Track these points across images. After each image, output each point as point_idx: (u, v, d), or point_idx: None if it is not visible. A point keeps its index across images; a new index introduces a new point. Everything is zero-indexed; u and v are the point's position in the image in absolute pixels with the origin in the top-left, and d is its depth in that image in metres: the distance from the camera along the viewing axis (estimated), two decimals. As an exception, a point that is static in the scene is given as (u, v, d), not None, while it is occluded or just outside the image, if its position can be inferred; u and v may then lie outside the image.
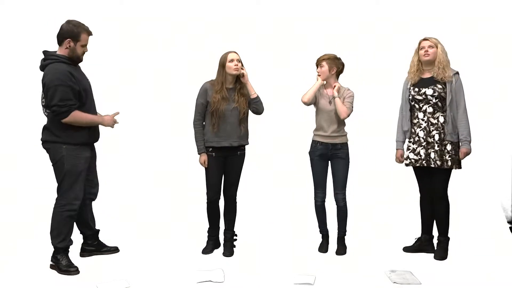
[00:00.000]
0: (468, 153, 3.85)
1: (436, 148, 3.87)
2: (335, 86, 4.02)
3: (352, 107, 4.03)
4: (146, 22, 5.65)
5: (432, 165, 3.88)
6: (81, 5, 5.43)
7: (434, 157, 3.86)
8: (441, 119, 3.87)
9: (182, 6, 5.65)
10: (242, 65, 3.95)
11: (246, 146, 4.10)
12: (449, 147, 3.85)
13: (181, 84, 5.52)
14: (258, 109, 3.99)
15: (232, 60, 3.89)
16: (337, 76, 4.10)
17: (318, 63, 4.06)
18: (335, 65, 4.03)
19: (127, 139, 5.64)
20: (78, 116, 3.57)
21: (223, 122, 3.92)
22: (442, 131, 3.87)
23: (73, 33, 3.58)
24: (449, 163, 3.84)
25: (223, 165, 4.03)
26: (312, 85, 4.03)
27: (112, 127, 3.86)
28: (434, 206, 4.02)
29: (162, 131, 5.64)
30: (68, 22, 3.61)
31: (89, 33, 3.66)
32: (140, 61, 5.66)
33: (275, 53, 5.61)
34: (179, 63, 5.62)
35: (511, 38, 5.33)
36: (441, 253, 3.96)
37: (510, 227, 4.62)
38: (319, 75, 4.04)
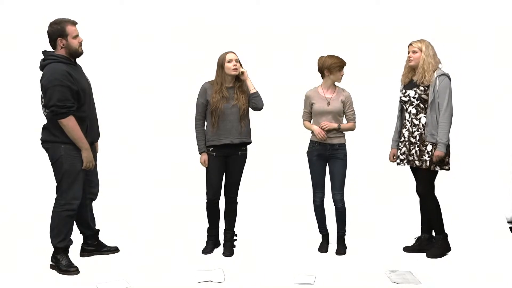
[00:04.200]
0: (440, 156, 3.82)
1: (417, 148, 3.91)
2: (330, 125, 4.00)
3: (355, 113, 4.07)
4: (146, 22, 5.65)
5: (413, 165, 3.94)
6: (81, 5, 5.44)
7: (414, 157, 3.91)
8: (423, 120, 3.91)
9: (182, 6, 5.65)
10: (241, 64, 3.96)
11: (247, 146, 4.10)
12: (429, 147, 3.87)
13: (182, 83, 5.52)
14: (257, 104, 3.98)
15: (230, 61, 3.90)
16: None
17: (343, 67, 4.00)
18: None
19: (128, 139, 5.64)
20: (72, 124, 3.54)
21: (223, 120, 3.93)
22: (423, 132, 3.90)
23: (58, 31, 3.57)
24: (428, 163, 3.86)
25: (224, 165, 4.03)
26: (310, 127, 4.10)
27: (87, 167, 3.69)
28: (422, 206, 4.09)
29: (162, 131, 5.64)
30: (50, 24, 3.61)
31: (74, 23, 3.63)
32: (140, 61, 5.66)
33: (275, 52, 5.61)
34: (179, 63, 5.62)
35: (511, 38, 5.34)
36: (434, 252, 3.99)
37: (510, 227, 4.61)
38: (342, 77, 4.03)
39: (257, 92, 3.98)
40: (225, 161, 4.02)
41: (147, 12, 5.66)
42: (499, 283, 3.52)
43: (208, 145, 4.01)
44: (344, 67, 4.01)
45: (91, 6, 5.54)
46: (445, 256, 3.99)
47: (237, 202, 4.15)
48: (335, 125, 4.00)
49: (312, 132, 4.10)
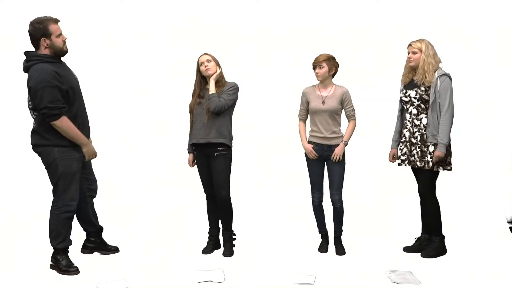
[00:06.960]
0: (440, 156, 3.82)
1: (418, 149, 3.91)
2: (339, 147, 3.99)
3: (354, 109, 4.05)
4: (146, 22, 5.65)
5: (415, 166, 3.94)
6: (81, 5, 5.44)
7: (416, 158, 3.91)
8: (424, 121, 3.90)
9: (182, 6, 5.65)
10: (218, 63, 4.00)
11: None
12: (431, 148, 3.86)
13: (182, 83, 5.50)
14: (209, 105, 3.90)
15: (202, 63, 3.98)
16: (332, 77, 4.08)
17: (318, 64, 3.98)
18: (334, 65, 4.01)
19: (128, 139, 5.64)
20: (66, 124, 3.49)
21: (195, 121, 4.01)
22: (424, 132, 3.90)
23: (41, 30, 3.48)
24: (430, 164, 3.86)
25: (208, 163, 4.04)
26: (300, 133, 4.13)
27: (92, 158, 3.76)
28: (422, 206, 4.09)
29: (162, 131, 5.64)
30: (31, 24, 3.52)
31: (56, 21, 3.54)
32: (140, 61, 5.66)
33: (275, 52, 5.61)
34: (179, 63, 5.61)
35: (511, 38, 5.34)
36: (428, 252, 3.99)
37: (510, 227, 4.62)
38: (318, 75, 4.01)
39: (212, 94, 3.92)
40: (207, 161, 4.04)
41: (147, 12, 5.66)
42: (499, 283, 3.52)
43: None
44: (318, 67, 3.96)
45: (91, 6, 5.53)
46: (445, 256, 3.99)
47: (230, 204, 4.06)
48: (343, 147, 3.99)
49: (310, 131, 4.11)
